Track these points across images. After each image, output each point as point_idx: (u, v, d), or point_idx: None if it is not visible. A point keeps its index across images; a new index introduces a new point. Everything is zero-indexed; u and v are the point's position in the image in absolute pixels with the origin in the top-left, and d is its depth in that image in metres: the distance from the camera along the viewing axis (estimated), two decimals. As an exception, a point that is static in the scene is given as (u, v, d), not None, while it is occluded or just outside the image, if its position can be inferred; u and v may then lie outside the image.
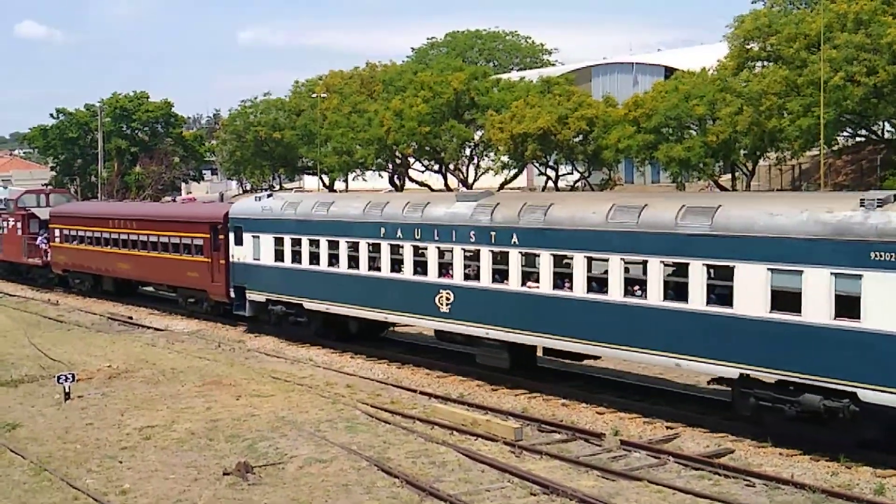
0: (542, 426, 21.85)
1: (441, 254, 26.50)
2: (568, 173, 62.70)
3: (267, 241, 32.98)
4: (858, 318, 17.71)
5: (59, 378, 25.20)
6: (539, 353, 25.94)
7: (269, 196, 34.69)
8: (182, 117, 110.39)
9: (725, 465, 18.47)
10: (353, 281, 29.29)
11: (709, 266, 20.08)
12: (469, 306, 25.53)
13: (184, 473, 18.77)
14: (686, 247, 20.41)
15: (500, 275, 24.73)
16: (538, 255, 23.68)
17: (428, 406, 23.91)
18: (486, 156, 65.83)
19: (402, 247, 27.53)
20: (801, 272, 18.48)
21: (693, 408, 22.54)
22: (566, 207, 23.54)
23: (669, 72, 65.85)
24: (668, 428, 21.30)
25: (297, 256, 31.68)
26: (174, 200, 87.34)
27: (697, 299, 20.22)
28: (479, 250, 25.22)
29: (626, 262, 21.78)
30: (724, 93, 47.99)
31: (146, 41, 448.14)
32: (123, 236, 43.54)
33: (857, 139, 53.17)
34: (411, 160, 70.21)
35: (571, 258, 22.92)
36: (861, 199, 18.12)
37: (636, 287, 21.58)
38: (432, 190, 62.73)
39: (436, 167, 68.12)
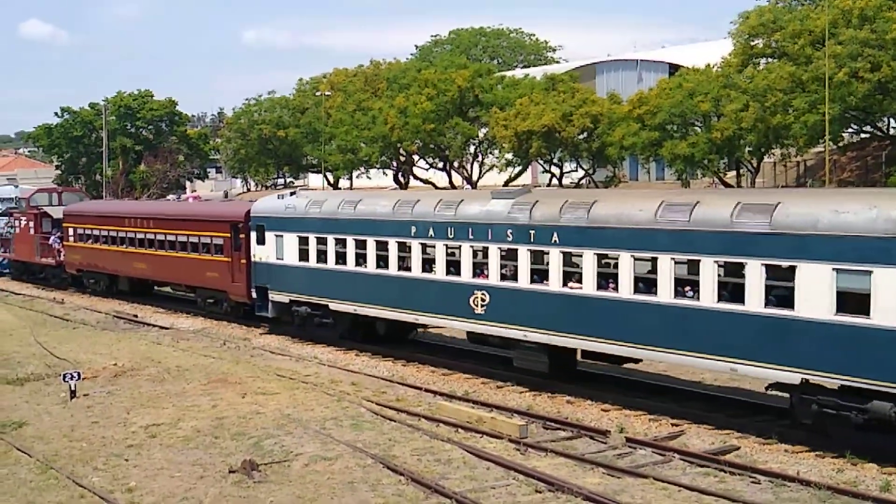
0: (548, 423, 21.81)
1: (475, 253, 25.69)
2: (572, 170, 62.69)
3: (291, 240, 32.18)
4: None
5: (64, 376, 25.22)
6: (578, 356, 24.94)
7: (292, 194, 33.84)
8: (186, 115, 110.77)
9: (731, 463, 18.40)
10: (382, 281, 28.51)
11: (767, 266, 19.15)
12: (506, 307, 24.66)
13: (189, 471, 18.78)
14: (742, 246, 19.50)
15: (539, 275, 23.86)
16: (581, 255, 22.85)
17: (433, 403, 23.90)
18: (490, 153, 65.88)
19: (434, 246, 26.74)
20: (869, 272, 17.50)
21: (698, 405, 22.47)
22: (611, 205, 22.72)
23: (674, 69, 65.81)
24: (673, 425, 21.26)
25: (322, 256, 30.84)
26: (179, 199, 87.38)
27: (755, 301, 19.30)
28: (516, 249, 24.33)
29: (676, 262, 20.92)
30: (729, 89, 47.96)
31: (151, 41, 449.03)
32: (140, 235, 42.72)
33: (862, 135, 53.12)
34: (416, 158, 70.27)
35: (617, 258, 22.06)
36: None
37: (687, 288, 20.75)
38: (437, 188, 62.76)
39: (440, 165, 68.16)
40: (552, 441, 20.45)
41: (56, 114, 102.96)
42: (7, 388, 26.60)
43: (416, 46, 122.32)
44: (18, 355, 31.55)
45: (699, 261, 20.39)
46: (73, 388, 24.92)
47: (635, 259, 21.69)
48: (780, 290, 19.07)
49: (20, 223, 53.13)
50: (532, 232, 23.95)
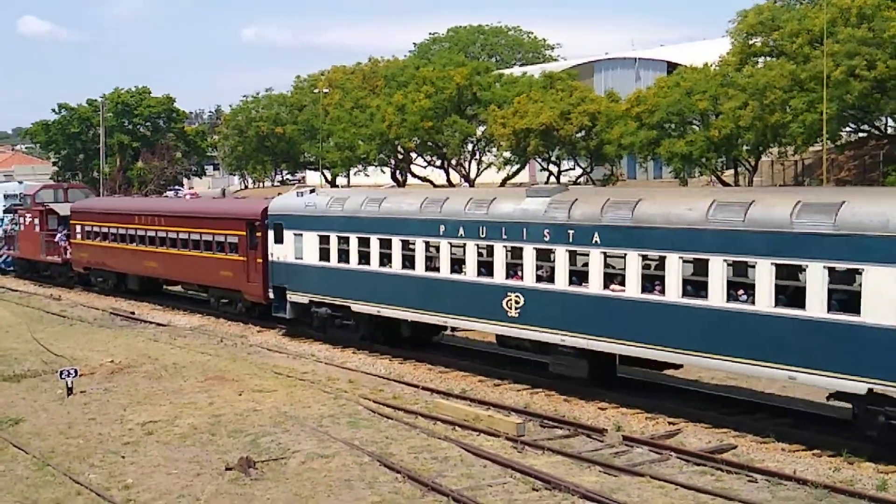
0: (545, 422, 21.83)
1: (509, 254, 24.71)
2: (570, 169, 62.68)
3: (311, 238, 31.21)
4: None
5: (61, 373, 25.23)
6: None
7: (311, 192, 32.98)
8: (184, 112, 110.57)
9: (728, 461, 18.43)
10: (408, 282, 27.58)
11: (830, 269, 18.20)
12: (542, 310, 23.69)
13: (186, 468, 18.79)
14: (803, 247, 18.50)
15: (578, 276, 22.96)
16: (624, 256, 21.87)
17: (430, 401, 23.91)
18: (488, 151, 65.79)
19: (465, 246, 25.76)
20: None
21: (695, 404, 22.49)
22: (657, 204, 21.65)
23: (672, 67, 65.77)
24: (670, 424, 21.28)
25: (344, 255, 29.93)
26: (177, 195, 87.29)
27: (816, 305, 18.32)
28: (553, 250, 23.37)
29: (728, 264, 19.97)
30: (727, 88, 47.95)
31: (149, 38, 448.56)
32: (151, 233, 41.77)
33: (860, 134, 53.13)
34: (413, 155, 70.21)
35: (663, 259, 21.08)
36: None
37: (740, 291, 19.87)
38: (434, 185, 62.73)
39: (438, 163, 68.09)
40: (549, 439, 20.48)
41: (53, 110, 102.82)
42: (4, 384, 26.60)
43: (415, 44, 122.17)
44: (15, 352, 31.55)
45: (754, 263, 19.49)
46: (69, 385, 24.92)
47: (684, 261, 20.77)
48: (844, 295, 18.14)
49: (25, 220, 52.20)
50: (571, 232, 22.97)
